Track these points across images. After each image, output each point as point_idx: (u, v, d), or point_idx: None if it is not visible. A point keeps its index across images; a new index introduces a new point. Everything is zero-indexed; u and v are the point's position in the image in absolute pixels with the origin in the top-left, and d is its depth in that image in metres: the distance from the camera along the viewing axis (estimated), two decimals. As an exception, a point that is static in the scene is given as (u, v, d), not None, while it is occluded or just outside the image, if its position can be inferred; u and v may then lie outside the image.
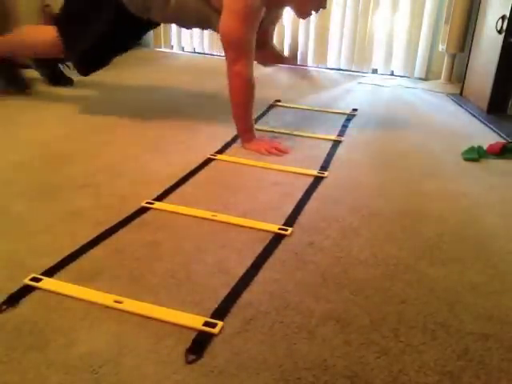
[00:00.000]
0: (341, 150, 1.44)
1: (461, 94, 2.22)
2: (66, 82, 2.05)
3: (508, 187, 1.22)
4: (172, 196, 1.10)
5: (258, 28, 1.46)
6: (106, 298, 0.73)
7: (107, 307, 0.71)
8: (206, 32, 3.01)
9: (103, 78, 2.15)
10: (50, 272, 0.79)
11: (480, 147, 1.44)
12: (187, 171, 1.23)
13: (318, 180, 1.21)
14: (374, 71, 2.68)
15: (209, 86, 2.16)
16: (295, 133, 1.57)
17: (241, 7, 1.28)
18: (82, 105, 1.81)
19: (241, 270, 0.82)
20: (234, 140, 1.47)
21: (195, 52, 3.10)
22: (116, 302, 0.72)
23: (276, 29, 1.85)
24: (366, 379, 0.61)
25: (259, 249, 0.89)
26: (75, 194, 1.08)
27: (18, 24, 2.17)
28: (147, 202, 1.04)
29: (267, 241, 0.92)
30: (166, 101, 1.91)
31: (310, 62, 2.77)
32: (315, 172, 1.26)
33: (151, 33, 2.95)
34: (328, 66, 2.75)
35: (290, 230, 0.96)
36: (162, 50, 3.15)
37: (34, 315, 0.69)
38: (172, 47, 3.15)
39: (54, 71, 2.04)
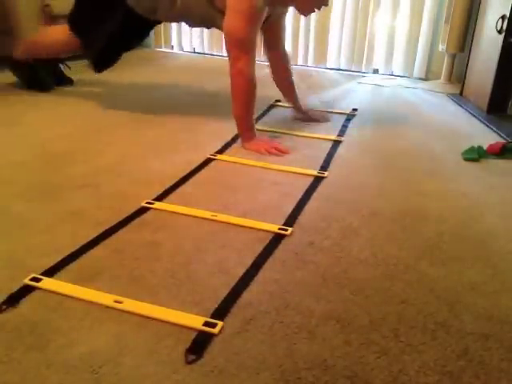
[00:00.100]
0: (341, 150, 1.44)
1: (461, 94, 2.22)
2: (67, 81, 2.06)
3: (508, 187, 1.22)
4: (172, 196, 1.10)
5: (266, 27, 1.52)
6: (106, 298, 0.73)
7: (107, 307, 0.71)
8: (206, 32, 3.02)
9: (104, 77, 2.15)
10: (50, 272, 0.79)
11: (480, 147, 1.44)
12: (187, 171, 1.23)
13: (317, 180, 1.22)
14: (375, 71, 2.68)
15: (209, 86, 2.16)
16: (295, 133, 1.58)
17: (245, 7, 1.30)
18: (82, 105, 1.81)
19: (241, 270, 0.82)
20: (234, 140, 1.47)
21: (195, 52, 3.11)
22: (116, 302, 0.72)
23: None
24: (366, 379, 0.61)
25: (259, 249, 0.89)
26: (75, 193, 1.08)
27: (18, 24, 2.18)
28: (147, 202, 1.04)
29: (267, 241, 0.92)
30: (166, 101, 1.91)
31: (310, 62, 2.77)
32: (315, 172, 1.26)
33: (152, 33, 2.95)
34: (328, 66, 2.76)
35: (289, 229, 0.96)
36: (163, 50, 3.15)
37: (34, 315, 0.69)
38: (172, 47, 3.15)
39: (55, 71, 2.04)
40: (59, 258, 0.83)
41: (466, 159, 1.39)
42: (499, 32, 1.81)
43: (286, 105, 1.79)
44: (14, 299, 0.72)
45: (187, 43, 3.11)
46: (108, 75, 2.18)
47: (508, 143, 1.45)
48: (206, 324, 0.68)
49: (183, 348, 0.64)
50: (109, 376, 0.59)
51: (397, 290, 0.79)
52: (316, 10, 1.45)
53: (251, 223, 0.98)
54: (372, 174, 1.27)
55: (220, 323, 0.68)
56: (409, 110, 1.97)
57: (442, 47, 2.43)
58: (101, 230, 0.92)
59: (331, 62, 2.75)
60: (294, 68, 1.73)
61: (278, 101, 1.92)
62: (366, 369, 0.62)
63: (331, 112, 1.85)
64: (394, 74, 2.65)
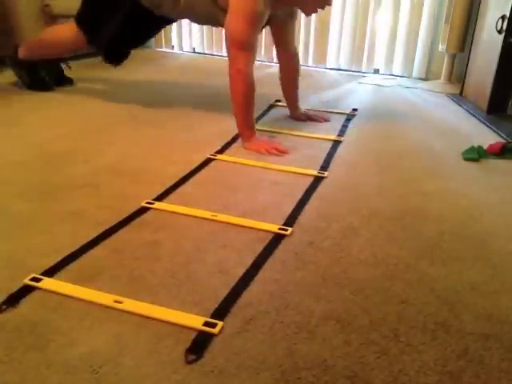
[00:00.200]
0: (341, 150, 1.44)
1: (461, 94, 2.22)
2: (67, 81, 2.06)
3: (508, 187, 1.22)
4: (172, 196, 1.10)
5: (274, 28, 1.57)
6: (106, 298, 0.73)
7: (107, 307, 0.71)
8: (206, 32, 3.02)
9: (104, 77, 2.16)
10: (50, 272, 0.79)
11: (480, 147, 1.44)
12: (187, 171, 1.23)
13: (318, 180, 1.21)
14: (376, 71, 2.68)
15: (209, 86, 2.16)
16: (295, 133, 1.58)
17: (247, 10, 1.31)
18: (82, 105, 1.81)
19: (241, 270, 0.82)
20: (234, 140, 1.47)
21: (195, 52, 3.11)
22: (116, 302, 0.72)
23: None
24: (366, 379, 0.61)
25: (259, 249, 0.89)
26: (75, 193, 1.08)
27: (18, 24, 2.18)
28: (147, 202, 1.04)
29: (267, 241, 0.92)
30: (166, 100, 1.91)
31: (310, 62, 2.77)
32: (315, 172, 1.26)
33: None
34: (328, 66, 2.76)
35: (289, 229, 0.96)
36: (163, 50, 3.15)
37: (34, 315, 0.69)
38: (173, 47, 3.16)
39: (56, 71, 2.04)
40: (59, 258, 0.82)
41: (466, 159, 1.39)
42: (499, 32, 1.81)
43: (286, 105, 1.79)
44: (14, 299, 0.72)
45: (187, 43, 3.12)
46: (108, 75, 2.18)
47: (508, 143, 1.45)
48: (206, 324, 0.68)
49: (183, 348, 0.64)
50: (109, 376, 0.59)
51: (397, 289, 0.79)
52: (319, 9, 1.45)
53: (251, 223, 0.98)
54: (372, 174, 1.27)
55: (220, 323, 0.68)
56: (409, 110, 1.97)
57: (441, 47, 2.43)
58: (101, 230, 0.92)
59: (331, 62, 2.75)
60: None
61: (278, 101, 1.92)
62: (366, 369, 0.62)
63: (331, 112, 1.85)
64: (393, 73, 2.65)
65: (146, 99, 1.91)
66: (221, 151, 1.38)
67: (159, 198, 1.07)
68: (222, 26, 1.53)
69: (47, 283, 0.76)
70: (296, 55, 1.68)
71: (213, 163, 1.31)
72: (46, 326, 0.67)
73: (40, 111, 1.69)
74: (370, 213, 1.05)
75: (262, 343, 0.66)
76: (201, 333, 0.67)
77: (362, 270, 0.84)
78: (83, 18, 1.73)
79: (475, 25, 2.10)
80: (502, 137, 1.62)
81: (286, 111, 1.77)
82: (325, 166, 1.30)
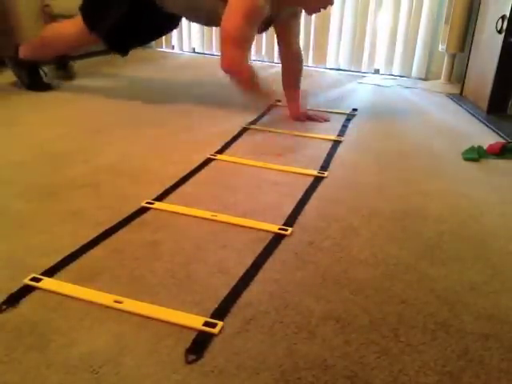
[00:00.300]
0: (341, 150, 1.44)
1: (461, 94, 2.22)
2: (42, 87, 1.95)
3: (508, 187, 1.22)
4: (172, 196, 1.10)
5: (278, 27, 1.57)
6: (106, 298, 0.73)
7: (107, 307, 0.71)
8: (206, 32, 3.02)
9: (103, 77, 2.16)
10: (50, 272, 0.79)
11: (480, 147, 1.44)
12: (187, 171, 1.23)
13: (317, 180, 1.21)
14: (376, 71, 2.68)
15: (209, 86, 2.16)
16: (295, 133, 1.58)
17: (245, 6, 1.30)
18: (82, 105, 1.81)
19: (241, 270, 0.82)
20: (234, 140, 1.47)
21: (195, 52, 3.11)
22: (116, 302, 0.72)
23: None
24: (366, 379, 0.61)
25: (259, 249, 0.89)
26: (75, 193, 1.08)
27: (18, 24, 2.18)
28: (147, 202, 1.04)
29: (267, 241, 0.92)
30: (166, 100, 1.91)
31: (310, 62, 2.77)
32: (315, 172, 1.26)
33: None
34: (328, 66, 2.76)
35: (290, 229, 0.96)
36: (163, 50, 3.16)
37: (34, 315, 0.69)
38: (173, 47, 3.16)
39: (36, 75, 1.98)
40: (59, 258, 0.82)
41: (466, 159, 1.39)
42: (499, 32, 1.81)
43: (286, 105, 1.79)
44: (14, 299, 0.72)
45: (187, 43, 3.12)
46: (108, 75, 2.18)
47: (508, 143, 1.45)
48: (206, 324, 0.68)
49: (183, 348, 0.64)
50: (109, 376, 0.59)
51: (397, 290, 0.79)
52: (322, 9, 1.45)
53: (251, 223, 0.98)
54: (372, 174, 1.27)
55: (220, 323, 0.68)
56: (409, 110, 1.97)
57: (441, 47, 2.43)
58: (101, 230, 0.92)
59: (331, 62, 2.75)
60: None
61: (279, 101, 1.92)
62: (366, 369, 0.62)
63: (331, 112, 1.85)
64: (393, 73, 2.65)
65: (146, 99, 1.91)
66: (221, 151, 1.38)
67: (159, 198, 1.07)
68: (220, 19, 1.53)
69: (47, 283, 0.76)
70: (300, 55, 1.68)
71: (213, 163, 1.31)
72: (46, 326, 0.67)
73: (40, 111, 1.69)
74: (369, 213, 1.05)
75: (261, 343, 0.66)
76: (201, 333, 0.67)
77: (361, 270, 0.84)
78: (87, 6, 1.73)
79: (475, 25, 2.10)
80: (501, 137, 1.62)
81: (286, 111, 1.77)
82: (325, 166, 1.30)
